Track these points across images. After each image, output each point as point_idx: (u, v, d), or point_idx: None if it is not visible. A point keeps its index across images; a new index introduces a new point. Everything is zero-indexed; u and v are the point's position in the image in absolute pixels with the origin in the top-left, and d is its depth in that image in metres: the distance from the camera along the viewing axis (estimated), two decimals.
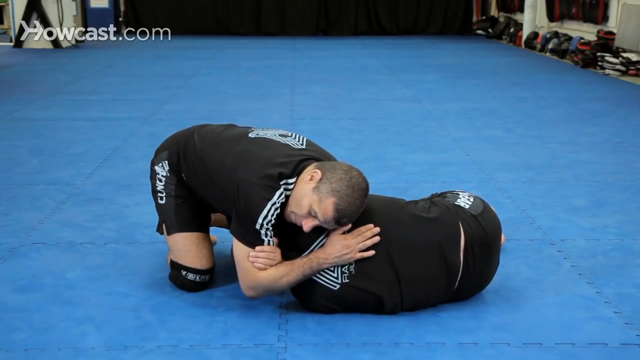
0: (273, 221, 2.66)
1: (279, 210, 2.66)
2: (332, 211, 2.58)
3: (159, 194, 3.06)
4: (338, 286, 2.71)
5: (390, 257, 2.69)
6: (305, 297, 2.76)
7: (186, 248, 2.99)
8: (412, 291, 2.72)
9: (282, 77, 9.52)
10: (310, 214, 2.62)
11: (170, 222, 3.03)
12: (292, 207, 2.66)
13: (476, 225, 2.79)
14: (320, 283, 2.71)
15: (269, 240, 2.69)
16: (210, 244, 3.08)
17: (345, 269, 2.69)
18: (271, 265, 2.71)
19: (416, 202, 2.90)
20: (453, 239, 2.75)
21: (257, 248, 2.69)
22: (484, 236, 2.80)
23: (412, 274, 2.71)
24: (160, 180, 3.06)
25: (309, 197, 2.61)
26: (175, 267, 3.01)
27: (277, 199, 2.64)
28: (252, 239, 2.69)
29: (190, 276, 2.98)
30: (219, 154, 2.84)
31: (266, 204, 2.63)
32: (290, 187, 2.68)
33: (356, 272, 2.69)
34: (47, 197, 4.25)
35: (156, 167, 3.07)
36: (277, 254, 2.72)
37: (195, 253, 2.99)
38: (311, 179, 2.63)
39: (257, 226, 2.66)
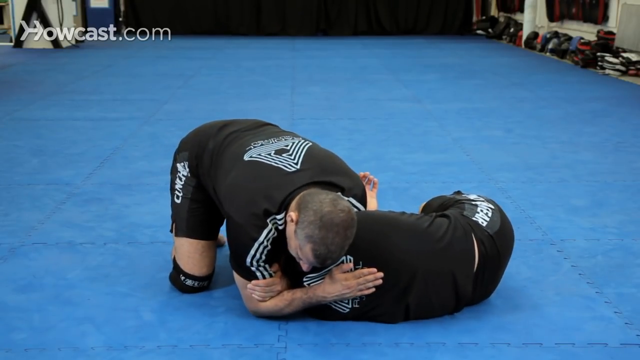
0: (264, 258, 2.62)
1: (269, 247, 2.60)
2: (313, 257, 2.48)
3: (176, 192, 3.05)
4: (347, 310, 2.69)
5: (403, 289, 2.65)
6: (315, 315, 2.74)
7: (189, 254, 2.99)
8: (420, 315, 2.71)
9: (282, 77, 9.51)
10: (299, 258, 2.56)
11: (180, 224, 3.03)
12: (288, 247, 2.59)
13: (491, 246, 2.73)
14: (330, 306, 2.69)
15: (262, 274, 2.66)
16: (215, 251, 3.07)
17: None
18: (271, 297, 2.70)
19: (431, 219, 2.77)
20: (466, 266, 2.69)
21: (253, 282, 2.68)
22: (497, 256, 2.76)
23: (422, 303, 2.68)
24: (180, 179, 3.04)
25: (293, 240, 2.52)
26: (176, 268, 3.02)
27: (265, 237, 2.58)
28: (246, 274, 2.68)
29: (189, 282, 2.99)
30: (219, 176, 2.82)
31: (253, 244, 2.58)
32: (280, 221, 2.59)
33: (367, 300, 2.67)
34: (47, 197, 4.25)
35: (178, 165, 3.06)
36: (274, 285, 2.68)
37: (197, 261, 2.99)
38: (292, 221, 2.50)
39: (248, 264, 2.64)
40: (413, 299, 2.66)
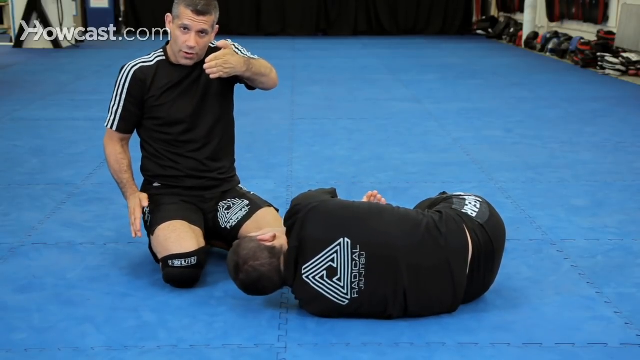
0: (129, 83, 3.13)
1: (137, 67, 3.12)
2: (186, 7, 3.00)
3: (145, 217, 3.18)
4: (347, 301, 2.70)
5: (401, 278, 2.67)
6: (313, 309, 2.75)
7: (166, 237, 3.01)
8: (418, 309, 2.72)
9: (282, 77, 9.44)
10: (181, 28, 3.02)
11: (151, 226, 3.11)
12: (173, 47, 3.09)
13: (483, 235, 2.77)
14: (329, 298, 2.70)
15: (117, 104, 3.16)
16: (194, 230, 3.07)
17: (355, 285, 2.68)
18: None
19: (424, 213, 2.84)
20: (460, 256, 2.72)
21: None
22: (490, 245, 2.78)
23: (420, 295, 2.70)
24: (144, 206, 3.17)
25: (169, 25, 3.06)
26: (163, 263, 2.99)
27: (137, 61, 3.14)
28: (110, 105, 3.19)
29: (177, 263, 2.94)
30: None
31: (125, 67, 3.16)
32: (158, 52, 3.17)
33: (366, 289, 2.68)
34: (47, 197, 4.25)
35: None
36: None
37: (175, 238, 2.98)
38: (169, 22, 3.09)
39: (114, 94, 3.17)
40: (410, 289, 2.67)
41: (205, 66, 2.98)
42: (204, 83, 3.14)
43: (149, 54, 3.21)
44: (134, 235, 3.08)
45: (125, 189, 3.20)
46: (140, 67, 3.14)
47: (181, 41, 3.05)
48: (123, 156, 3.22)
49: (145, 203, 3.12)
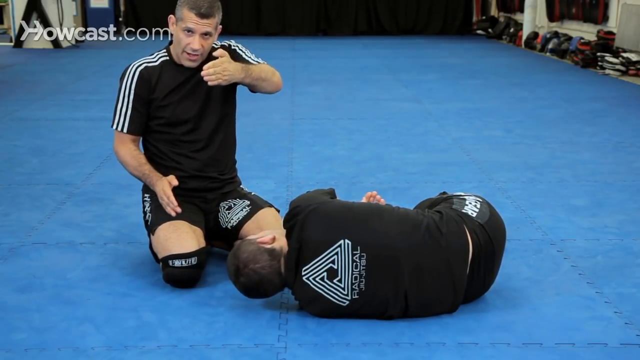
0: (135, 83, 3.11)
1: (142, 67, 3.12)
2: (189, 10, 2.99)
3: (146, 217, 3.17)
4: (347, 302, 2.70)
5: (402, 279, 2.67)
6: (315, 310, 2.75)
7: (166, 237, 3.00)
8: (419, 310, 2.72)
9: (282, 77, 9.47)
10: (185, 31, 3.02)
11: (152, 225, 3.10)
12: (176, 48, 3.09)
13: (483, 235, 2.77)
14: (329, 299, 2.70)
15: (126, 107, 3.18)
16: (194, 231, 3.06)
17: (355, 286, 2.68)
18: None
19: (424, 213, 2.83)
20: (461, 256, 2.72)
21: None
22: (490, 245, 2.78)
23: (420, 296, 2.70)
24: (146, 201, 3.19)
25: (179, 31, 3.05)
26: (164, 263, 2.99)
27: (141, 61, 3.14)
28: (116, 107, 3.20)
29: (177, 263, 2.94)
30: None
31: (130, 67, 3.14)
32: (162, 52, 3.17)
33: (366, 290, 2.68)
34: (47, 197, 4.25)
35: (145, 194, 3.23)
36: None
37: (176, 238, 2.98)
38: (172, 23, 3.09)
39: (120, 92, 3.18)
40: (411, 290, 2.67)
41: (202, 73, 2.98)
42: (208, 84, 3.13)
43: (152, 54, 3.20)
44: (173, 213, 3.02)
45: (149, 179, 3.13)
46: (145, 66, 3.14)
47: (184, 43, 3.04)
48: (138, 152, 3.21)
49: (175, 182, 3.06)
